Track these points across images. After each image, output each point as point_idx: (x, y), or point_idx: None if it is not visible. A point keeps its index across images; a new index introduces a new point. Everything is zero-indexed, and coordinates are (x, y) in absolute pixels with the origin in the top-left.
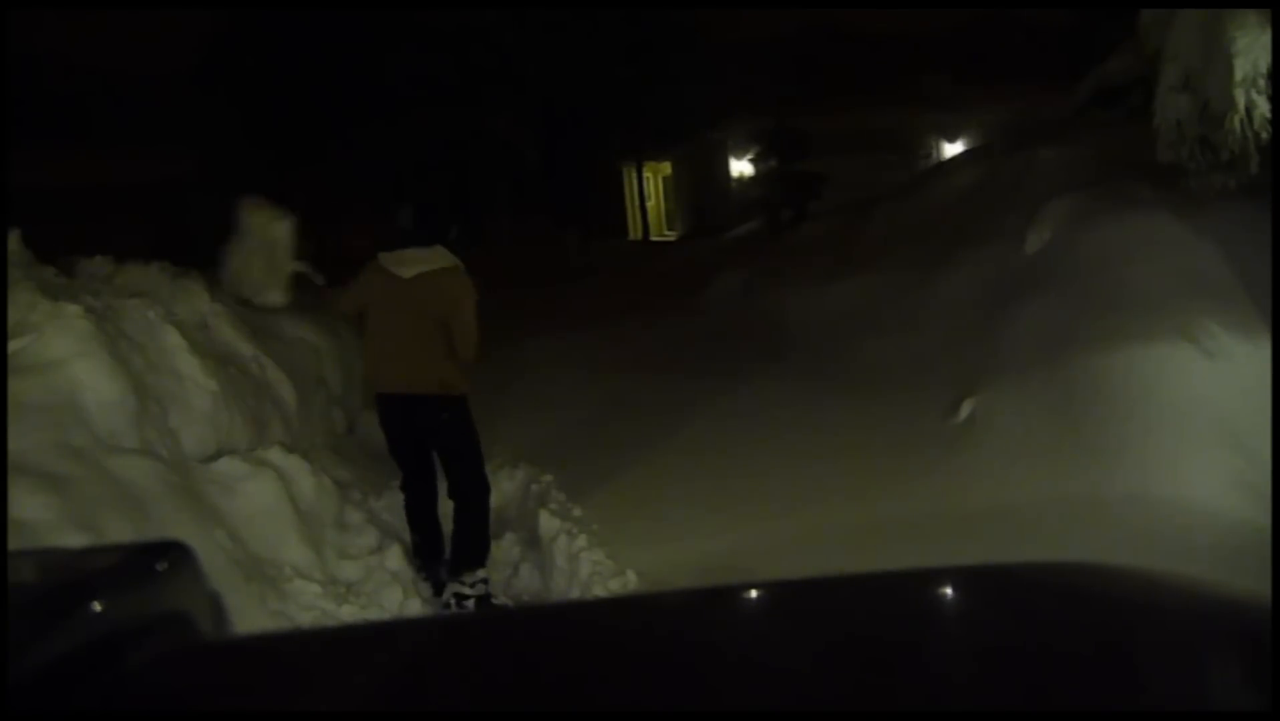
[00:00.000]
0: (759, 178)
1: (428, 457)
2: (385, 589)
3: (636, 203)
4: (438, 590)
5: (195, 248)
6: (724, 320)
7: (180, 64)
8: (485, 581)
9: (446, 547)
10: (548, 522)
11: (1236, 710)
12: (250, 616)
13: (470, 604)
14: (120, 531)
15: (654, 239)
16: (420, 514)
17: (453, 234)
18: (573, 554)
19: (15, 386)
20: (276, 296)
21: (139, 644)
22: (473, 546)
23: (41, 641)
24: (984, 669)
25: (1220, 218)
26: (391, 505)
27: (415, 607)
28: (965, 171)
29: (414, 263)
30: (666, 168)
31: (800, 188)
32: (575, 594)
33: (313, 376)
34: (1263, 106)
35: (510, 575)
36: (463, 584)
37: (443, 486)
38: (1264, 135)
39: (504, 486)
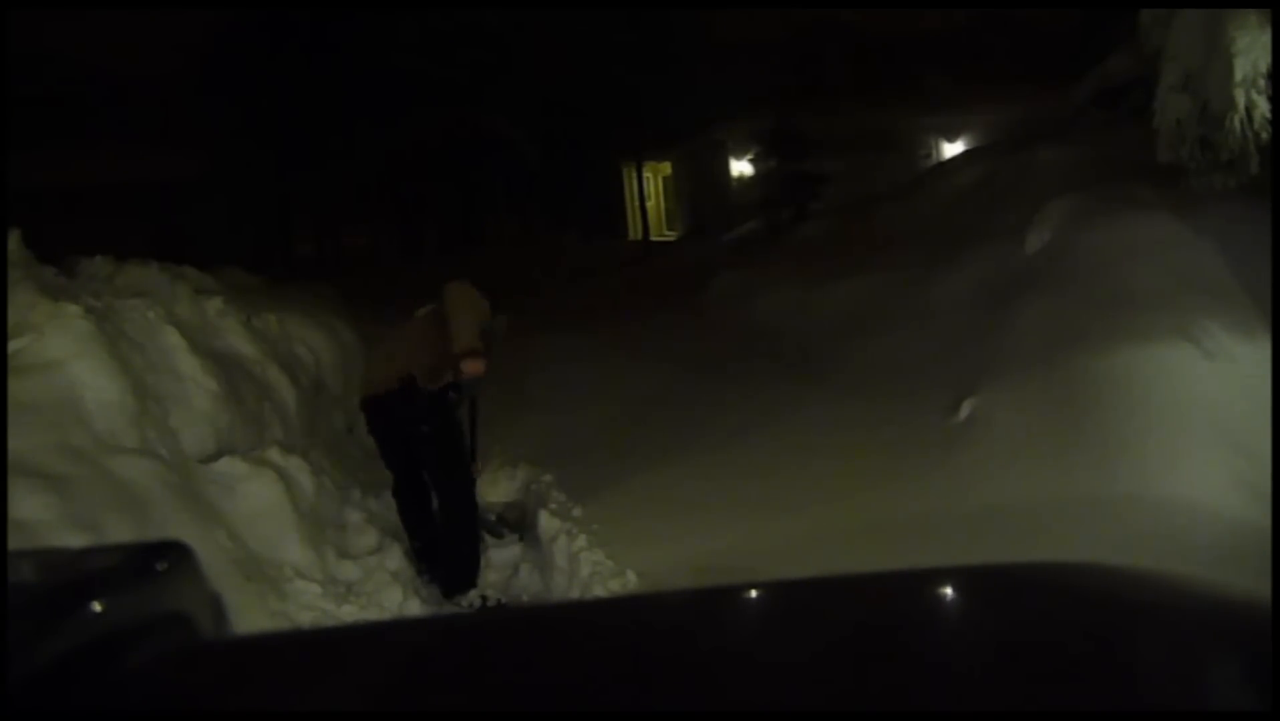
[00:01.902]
0: (759, 178)
1: (414, 467)
2: (385, 589)
3: (636, 203)
4: (436, 582)
5: (195, 247)
6: (723, 320)
7: (180, 64)
8: (483, 598)
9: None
10: (548, 522)
11: (1236, 710)
12: (250, 616)
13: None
14: (120, 531)
15: (654, 239)
16: (413, 520)
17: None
18: (573, 554)
19: (15, 386)
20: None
21: (139, 644)
22: (462, 569)
23: (41, 641)
24: (984, 669)
25: (1220, 218)
26: (391, 505)
27: (415, 607)
28: (965, 171)
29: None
30: (666, 168)
31: (800, 188)
32: (575, 594)
33: (313, 377)
34: (1263, 106)
35: (510, 575)
36: (458, 605)
37: None
38: (1264, 135)
39: (504, 486)
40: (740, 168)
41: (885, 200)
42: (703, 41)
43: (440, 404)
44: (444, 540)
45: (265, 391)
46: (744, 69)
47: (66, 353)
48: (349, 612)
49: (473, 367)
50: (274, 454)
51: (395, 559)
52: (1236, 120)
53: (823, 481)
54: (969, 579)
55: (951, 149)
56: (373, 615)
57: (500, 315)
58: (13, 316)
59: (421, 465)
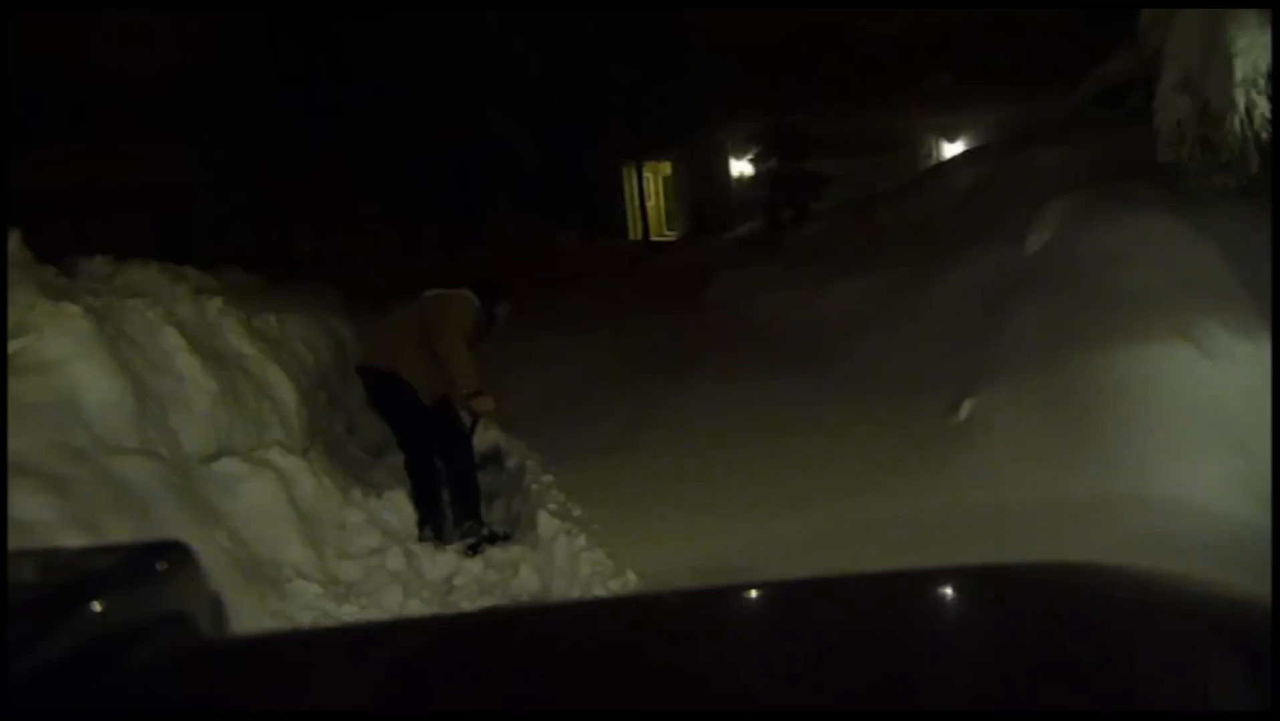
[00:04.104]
0: (759, 178)
1: (412, 425)
2: (385, 589)
3: (636, 203)
4: (436, 533)
5: (195, 247)
6: (724, 320)
7: (181, 63)
8: (479, 523)
9: (443, 497)
10: (547, 522)
11: (1236, 710)
12: (250, 616)
13: (480, 546)
14: (120, 531)
15: (654, 239)
16: (413, 465)
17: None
18: (573, 554)
19: (15, 386)
20: None
21: (139, 644)
22: (462, 499)
23: (41, 641)
24: (984, 669)
25: (1220, 218)
26: (391, 505)
27: (415, 607)
28: (965, 171)
29: (434, 289)
30: (666, 168)
31: (800, 188)
32: (575, 594)
33: (313, 377)
34: (1263, 106)
35: (510, 575)
36: (466, 531)
37: None
38: (1264, 135)
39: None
40: (740, 168)
41: (885, 200)
42: (703, 41)
43: (407, 385)
44: (447, 478)
45: (265, 391)
46: (744, 69)
47: (66, 352)
48: (349, 612)
49: (484, 406)
50: (274, 454)
51: (395, 559)
52: (1236, 120)
53: (823, 481)
54: (969, 579)
55: (951, 149)
56: (373, 615)
57: (504, 302)
58: (13, 316)
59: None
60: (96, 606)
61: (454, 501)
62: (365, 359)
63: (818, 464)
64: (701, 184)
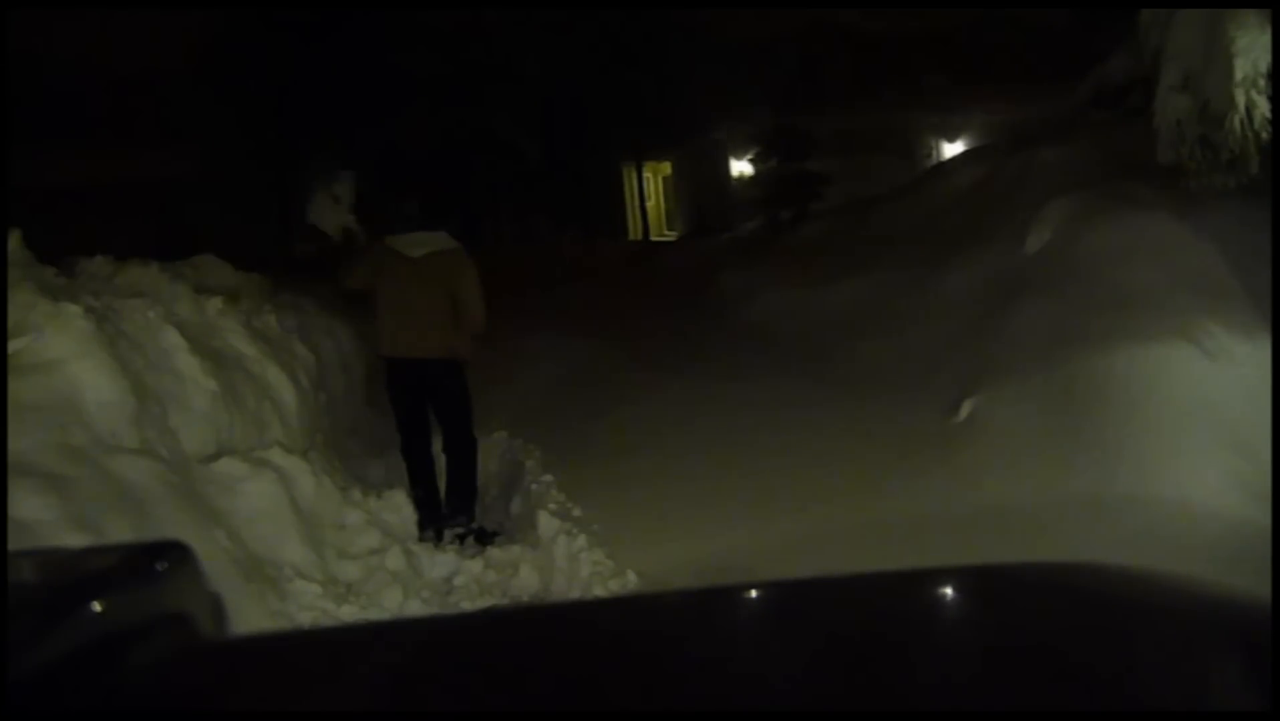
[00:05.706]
0: (759, 178)
1: (425, 422)
2: (385, 589)
3: (636, 203)
4: (437, 533)
5: (195, 246)
6: (724, 320)
7: (180, 63)
8: (473, 518)
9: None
10: (547, 522)
11: (1236, 710)
12: (250, 616)
13: (469, 539)
14: (120, 531)
15: (654, 239)
16: (419, 473)
17: (453, 222)
18: (573, 554)
19: (15, 386)
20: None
21: (139, 644)
22: (463, 493)
23: (41, 641)
24: (984, 669)
25: (1220, 218)
26: (391, 505)
27: (415, 607)
28: (965, 171)
29: (422, 245)
30: (666, 168)
31: (800, 188)
32: (575, 594)
33: (313, 377)
34: (1263, 106)
35: (510, 575)
36: (458, 524)
37: (437, 443)
38: (1264, 135)
39: (506, 493)
40: (740, 168)
41: (885, 200)
42: (703, 41)
43: (460, 369)
44: (451, 471)
45: (265, 391)
46: (744, 69)
47: (66, 352)
48: (349, 612)
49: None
50: (274, 454)
51: (395, 559)
52: (1236, 120)
53: (823, 481)
54: (969, 579)
55: (951, 149)
56: (373, 615)
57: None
58: (13, 316)
59: (438, 412)
60: (96, 606)
61: (453, 490)
62: (411, 350)
63: (818, 463)
64: (701, 184)
